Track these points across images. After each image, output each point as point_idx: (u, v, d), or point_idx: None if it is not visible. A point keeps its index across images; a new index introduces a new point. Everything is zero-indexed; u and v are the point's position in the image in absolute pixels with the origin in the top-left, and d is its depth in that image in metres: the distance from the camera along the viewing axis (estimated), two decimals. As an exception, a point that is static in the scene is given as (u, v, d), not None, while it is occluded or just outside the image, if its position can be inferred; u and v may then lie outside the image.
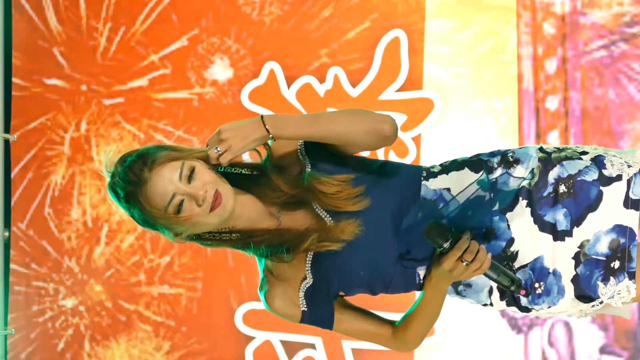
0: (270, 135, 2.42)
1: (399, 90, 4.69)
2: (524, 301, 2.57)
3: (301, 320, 2.61)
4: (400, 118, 4.68)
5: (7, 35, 4.87)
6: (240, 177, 2.56)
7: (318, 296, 2.60)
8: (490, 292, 2.59)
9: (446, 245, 2.44)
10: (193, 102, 4.81)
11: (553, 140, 4.60)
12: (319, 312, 2.61)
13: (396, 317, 2.71)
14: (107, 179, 2.50)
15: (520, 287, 2.49)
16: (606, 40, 4.57)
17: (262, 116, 2.43)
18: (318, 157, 2.57)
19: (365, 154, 2.71)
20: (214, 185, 2.45)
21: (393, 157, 4.67)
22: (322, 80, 4.74)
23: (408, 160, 4.66)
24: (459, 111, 4.67)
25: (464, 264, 2.43)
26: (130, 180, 2.43)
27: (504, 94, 4.64)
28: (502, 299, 2.60)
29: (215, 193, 2.44)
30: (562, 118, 4.61)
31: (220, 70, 4.82)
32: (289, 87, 4.76)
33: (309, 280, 2.59)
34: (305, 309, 2.59)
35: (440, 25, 4.68)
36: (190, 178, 2.44)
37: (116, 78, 4.85)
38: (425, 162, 4.64)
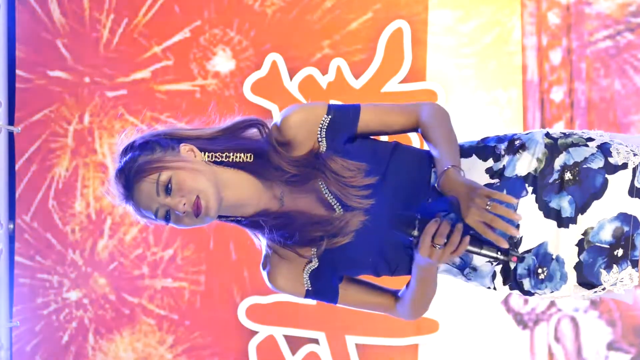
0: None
1: (402, 81, 4.66)
2: (526, 285, 2.57)
3: (305, 296, 2.66)
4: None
5: (10, 27, 4.88)
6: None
7: (323, 277, 2.63)
8: (494, 276, 2.60)
9: (415, 233, 2.43)
10: (195, 94, 4.80)
11: (558, 132, 4.55)
12: (324, 289, 2.65)
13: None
14: None
15: (509, 254, 2.47)
16: (612, 30, 4.52)
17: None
18: (336, 139, 2.58)
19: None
20: (194, 192, 2.48)
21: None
22: (324, 71, 4.71)
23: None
24: (463, 103, 4.62)
25: (438, 248, 2.42)
26: (122, 195, 2.54)
27: (508, 85, 4.59)
28: (505, 283, 2.60)
29: (195, 200, 2.47)
30: (568, 109, 4.56)
31: (223, 62, 4.80)
32: (291, 78, 4.74)
33: (315, 264, 2.62)
34: (310, 288, 2.64)
35: (444, 16, 4.64)
36: (168, 189, 2.48)
37: (119, 70, 4.85)
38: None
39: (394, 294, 2.71)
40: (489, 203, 2.39)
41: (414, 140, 4.65)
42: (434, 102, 2.66)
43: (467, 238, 2.44)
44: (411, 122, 2.64)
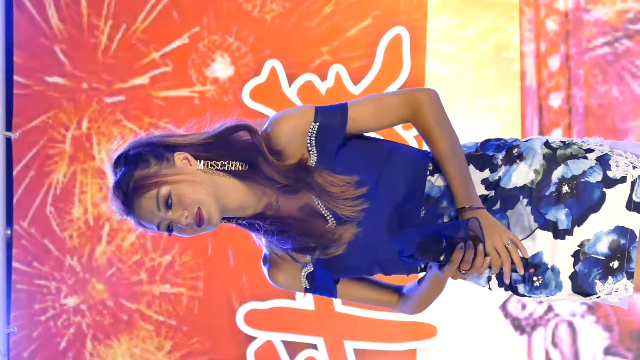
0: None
1: (401, 88, 4.66)
2: (521, 290, 2.58)
3: (305, 292, 2.68)
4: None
5: (8, 33, 4.87)
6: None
7: (319, 279, 2.66)
8: (489, 279, 2.61)
9: (442, 258, 2.45)
10: (194, 100, 4.80)
11: (556, 139, 4.58)
12: (321, 288, 2.67)
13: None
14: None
15: (527, 267, 2.53)
16: (610, 37, 4.53)
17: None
18: (326, 147, 2.56)
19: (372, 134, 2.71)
20: (194, 204, 2.47)
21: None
22: (323, 78, 4.71)
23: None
24: (461, 109, 4.63)
25: (463, 273, 2.45)
26: (121, 210, 2.51)
27: (507, 91, 4.61)
28: (500, 285, 2.61)
29: (197, 212, 2.47)
30: (566, 115, 4.58)
31: (222, 68, 4.80)
32: (290, 84, 4.74)
33: (310, 268, 2.64)
34: (308, 287, 2.66)
35: (443, 23, 4.65)
36: (169, 204, 2.47)
37: (117, 76, 4.84)
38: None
39: (397, 291, 2.73)
40: (509, 243, 2.45)
41: (412, 141, 4.67)
42: (429, 94, 2.60)
43: (488, 259, 2.46)
44: (405, 116, 2.58)
